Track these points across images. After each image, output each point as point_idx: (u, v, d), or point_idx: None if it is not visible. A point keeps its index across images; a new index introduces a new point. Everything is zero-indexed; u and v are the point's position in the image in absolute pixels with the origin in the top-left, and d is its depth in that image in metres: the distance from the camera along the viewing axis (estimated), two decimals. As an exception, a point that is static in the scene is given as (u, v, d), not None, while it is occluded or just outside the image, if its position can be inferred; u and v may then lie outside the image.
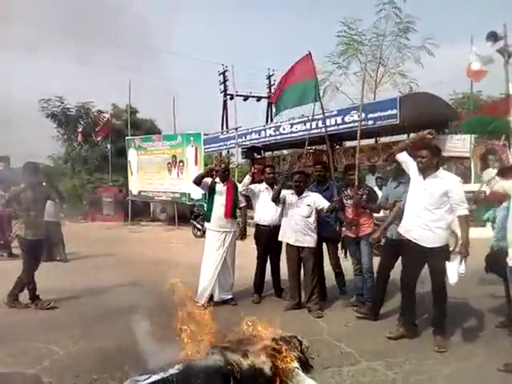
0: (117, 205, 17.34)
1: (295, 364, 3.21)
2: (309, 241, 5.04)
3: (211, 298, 5.17)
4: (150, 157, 15.01)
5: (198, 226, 11.97)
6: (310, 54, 5.60)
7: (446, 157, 12.17)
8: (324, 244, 5.44)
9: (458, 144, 11.65)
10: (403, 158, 4.20)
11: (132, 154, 15.67)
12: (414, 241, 3.98)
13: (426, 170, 3.95)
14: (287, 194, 5.22)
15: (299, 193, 5.13)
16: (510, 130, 11.91)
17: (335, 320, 4.69)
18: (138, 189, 15.54)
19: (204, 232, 11.21)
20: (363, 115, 11.62)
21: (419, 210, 3.94)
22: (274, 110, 6.08)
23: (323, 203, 5.04)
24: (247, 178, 5.51)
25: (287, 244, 5.18)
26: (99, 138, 20.32)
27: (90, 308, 5.18)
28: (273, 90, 26.62)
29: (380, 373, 3.37)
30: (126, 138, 16.21)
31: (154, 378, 3.12)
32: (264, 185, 5.64)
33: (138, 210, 16.98)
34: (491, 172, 3.91)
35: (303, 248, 5.05)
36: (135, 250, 9.79)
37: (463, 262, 3.77)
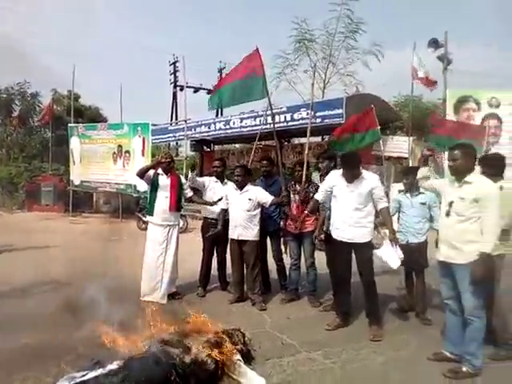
0: (57, 195, 16.48)
1: (237, 356, 3.27)
2: (250, 234, 5.07)
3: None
4: (94, 146, 14.39)
5: (144, 219, 11.69)
6: (257, 49, 5.56)
7: (386, 157, 12.79)
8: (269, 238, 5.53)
9: (398, 145, 12.26)
10: (321, 197, 4.55)
11: (74, 142, 14.94)
12: (347, 241, 4.21)
13: (352, 174, 4.24)
14: (229, 190, 5.25)
15: (240, 187, 5.16)
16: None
17: (278, 313, 4.79)
18: (81, 179, 14.87)
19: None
20: (312, 113, 11.93)
21: (349, 211, 4.19)
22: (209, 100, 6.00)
23: (265, 197, 5.10)
24: (194, 174, 5.48)
25: (230, 239, 5.20)
26: (39, 123, 19.09)
27: (23, 303, 4.94)
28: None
29: (318, 362, 3.50)
30: (69, 125, 15.43)
31: (92, 374, 3.06)
32: (213, 178, 5.64)
33: (80, 201, 16.22)
34: (424, 171, 4.16)
35: (245, 241, 5.08)
36: (76, 243, 9.40)
37: (397, 247, 4.08)
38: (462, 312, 3.40)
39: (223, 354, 3.19)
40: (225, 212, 5.24)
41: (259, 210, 5.18)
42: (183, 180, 5.45)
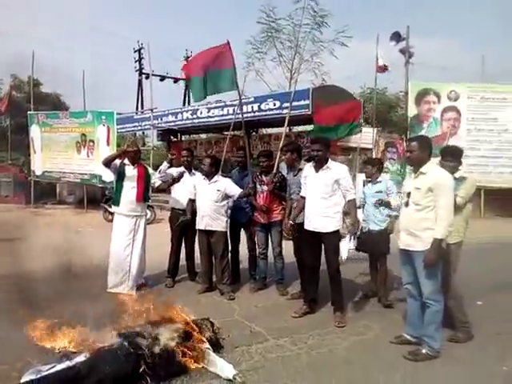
0: (17, 186, 15.88)
1: (206, 345, 3.32)
2: (218, 225, 5.09)
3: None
4: (56, 134, 13.93)
5: (110, 210, 11.46)
6: (228, 43, 5.60)
7: (353, 147, 13.10)
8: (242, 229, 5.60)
9: (363, 136, 12.53)
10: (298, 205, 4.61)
11: (35, 131, 14.41)
12: (314, 230, 4.30)
13: (318, 163, 4.32)
14: (198, 180, 5.25)
15: (209, 177, 5.16)
16: (408, 124, 13.16)
17: (247, 302, 4.87)
18: (42, 169, 14.38)
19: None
20: (278, 103, 11.99)
21: (316, 200, 4.28)
22: (191, 92, 5.94)
23: (234, 190, 5.13)
24: (164, 165, 5.42)
25: (198, 230, 5.20)
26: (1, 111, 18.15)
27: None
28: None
29: (286, 349, 3.60)
30: (29, 112, 14.84)
31: (59, 366, 3.03)
32: (181, 168, 5.62)
33: (42, 192, 15.71)
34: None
35: (213, 232, 5.10)
36: (40, 235, 9.12)
37: (352, 239, 4.26)
38: (421, 297, 3.57)
39: (192, 343, 3.24)
40: (193, 202, 5.24)
41: (227, 201, 5.21)
42: (150, 171, 5.39)
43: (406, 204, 3.62)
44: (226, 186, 5.14)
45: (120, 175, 5.10)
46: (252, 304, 4.78)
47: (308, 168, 4.45)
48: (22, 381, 2.88)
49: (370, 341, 3.84)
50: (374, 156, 12.23)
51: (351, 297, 5.01)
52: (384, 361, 3.44)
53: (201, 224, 5.13)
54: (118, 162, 5.14)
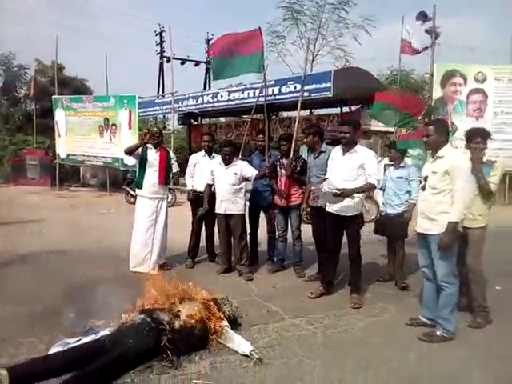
0: (42, 168, 16.31)
1: (224, 322, 3.43)
2: (236, 208, 5.18)
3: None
4: (80, 118, 14.18)
5: (132, 193, 11.71)
6: (260, 29, 5.69)
7: (373, 131, 12.90)
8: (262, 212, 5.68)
9: (386, 119, 12.30)
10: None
11: (59, 115, 14.68)
12: (335, 213, 4.32)
13: (346, 145, 4.30)
14: (215, 165, 5.31)
15: (226, 163, 5.21)
16: (432, 107, 12.84)
17: (264, 282, 4.96)
18: (67, 152, 14.70)
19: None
20: (299, 86, 11.87)
21: (340, 182, 4.25)
22: (211, 70, 5.98)
23: (250, 171, 5.20)
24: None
25: (217, 213, 5.28)
26: (24, 95, 18.55)
27: (16, 273, 5.03)
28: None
29: (302, 328, 3.68)
30: (53, 96, 15.11)
31: (85, 339, 3.19)
32: (202, 152, 5.69)
33: (67, 175, 16.13)
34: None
35: (231, 215, 5.19)
36: (65, 216, 9.43)
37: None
38: (436, 279, 3.58)
39: (211, 320, 3.35)
40: (210, 187, 5.32)
41: (244, 184, 5.28)
42: (172, 154, 5.49)
43: (423, 188, 3.62)
44: (242, 168, 5.21)
45: (143, 159, 5.24)
46: (269, 285, 4.87)
47: (336, 150, 4.45)
48: (50, 352, 3.06)
49: (385, 322, 3.89)
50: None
51: (368, 279, 5.04)
52: (399, 342, 3.48)
53: (220, 208, 5.21)
54: (139, 149, 5.27)
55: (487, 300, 3.91)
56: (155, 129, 5.54)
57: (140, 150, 5.26)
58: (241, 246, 5.24)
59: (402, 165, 5.01)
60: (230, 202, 5.16)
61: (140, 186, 5.27)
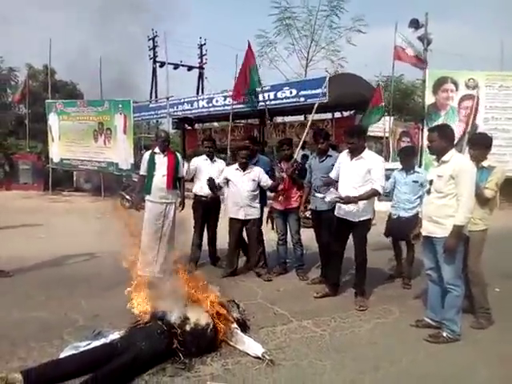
0: (35, 173, 16.16)
1: (234, 325, 3.46)
2: (254, 212, 5.25)
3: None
4: (74, 123, 14.12)
5: (127, 197, 11.67)
6: (248, 44, 5.85)
7: (370, 136, 13.06)
8: None
9: (379, 124, 12.49)
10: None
11: (53, 119, 14.61)
12: (342, 217, 4.39)
13: (353, 152, 4.36)
14: (230, 171, 5.32)
15: (244, 168, 5.24)
16: (425, 113, 13.05)
17: (268, 286, 4.99)
18: (60, 156, 14.62)
19: (133, 203, 11.05)
20: (295, 92, 11.99)
21: (347, 188, 4.32)
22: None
23: (266, 181, 5.22)
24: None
25: (232, 219, 5.28)
26: (16, 100, 18.38)
27: (22, 278, 5.02)
28: (204, 60, 26.20)
29: (309, 330, 3.72)
30: (46, 101, 15.04)
31: (95, 343, 3.20)
32: (204, 156, 5.72)
33: (60, 180, 15.98)
34: None
35: (248, 220, 5.23)
36: (61, 221, 9.38)
37: (333, 195, 4.27)
38: (441, 282, 3.66)
39: (221, 322, 3.37)
40: (219, 188, 5.33)
41: (259, 189, 5.31)
42: (180, 158, 5.50)
43: (429, 192, 3.69)
44: (260, 176, 5.23)
45: (151, 163, 5.24)
46: (274, 288, 4.91)
47: (344, 155, 4.50)
48: (61, 356, 3.05)
49: (391, 324, 3.94)
50: (391, 144, 12.21)
51: (373, 282, 5.11)
52: (406, 342, 3.54)
53: (238, 214, 5.23)
54: (147, 153, 5.43)
55: (488, 301, 3.99)
56: (162, 133, 5.53)
57: (148, 155, 5.33)
58: (258, 248, 5.29)
59: (416, 170, 5.15)
60: (250, 207, 5.21)
61: (148, 191, 5.25)
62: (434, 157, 3.76)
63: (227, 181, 5.32)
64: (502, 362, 3.23)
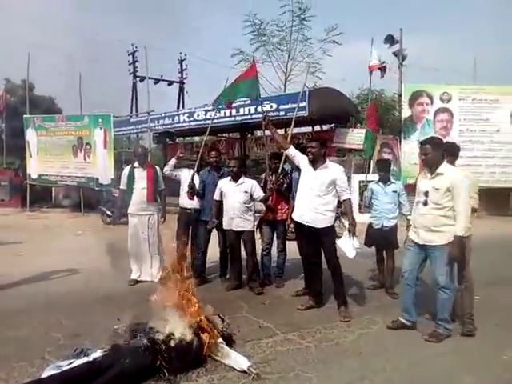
0: (12, 189, 15.80)
1: (219, 339, 3.43)
2: (247, 225, 5.23)
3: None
4: (52, 138, 13.91)
5: (108, 213, 11.54)
6: (254, 61, 6.32)
7: (348, 148, 13.28)
8: None
9: (358, 137, 12.73)
10: (291, 152, 4.73)
11: (31, 134, 14.37)
12: (306, 224, 4.47)
13: (315, 161, 4.46)
14: (224, 182, 5.31)
15: (236, 179, 5.24)
16: (402, 126, 13.37)
17: (253, 298, 4.99)
18: (38, 172, 14.34)
19: (114, 219, 10.93)
20: (275, 106, 12.15)
21: (311, 196, 4.42)
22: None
23: (258, 193, 5.23)
24: (173, 160, 5.57)
25: (228, 230, 5.28)
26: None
27: (0, 296, 4.90)
28: (184, 75, 26.30)
29: (295, 342, 3.72)
30: (24, 116, 14.79)
31: (77, 361, 3.13)
32: (189, 170, 5.70)
33: (38, 196, 15.63)
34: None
35: (242, 232, 5.22)
36: (41, 238, 9.18)
37: (355, 238, 4.37)
38: (415, 284, 3.97)
39: (206, 337, 3.34)
40: (218, 203, 5.31)
41: (254, 201, 5.32)
42: (159, 172, 5.53)
43: (425, 203, 3.83)
44: (253, 188, 5.22)
45: (130, 177, 5.29)
46: (259, 301, 4.90)
47: (306, 165, 4.56)
48: (44, 376, 2.98)
49: (375, 333, 3.98)
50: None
51: (356, 292, 5.16)
52: (389, 351, 3.58)
53: (231, 225, 5.22)
54: (127, 168, 5.51)
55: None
56: (139, 149, 5.59)
57: (127, 169, 5.40)
58: (253, 261, 5.29)
59: (392, 180, 5.41)
60: (242, 219, 5.19)
61: (130, 204, 5.33)
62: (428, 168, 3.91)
63: (221, 193, 5.31)
64: (486, 368, 3.30)
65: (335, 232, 4.62)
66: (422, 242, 3.86)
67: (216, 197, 5.32)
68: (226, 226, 5.28)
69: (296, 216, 4.59)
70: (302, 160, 4.60)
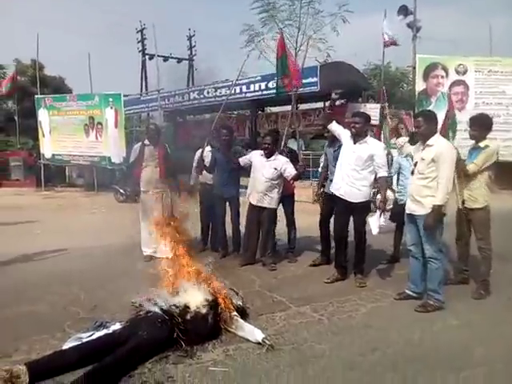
0: (27, 169, 16.04)
1: (234, 312, 3.51)
2: (269, 202, 5.16)
3: None
4: (64, 117, 14.00)
5: (121, 191, 11.67)
6: (281, 33, 6.33)
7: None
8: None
9: (371, 112, 12.51)
10: (334, 127, 4.71)
11: (43, 114, 14.46)
12: (341, 196, 4.53)
13: (357, 136, 4.47)
14: (255, 155, 5.27)
15: (268, 155, 5.16)
16: (416, 100, 13.10)
17: (265, 273, 5.05)
18: (52, 152, 14.50)
19: (127, 197, 11.06)
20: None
21: (348, 170, 4.47)
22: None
23: (290, 171, 5.07)
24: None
25: (250, 203, 5.28)
26: (2, 95, 18.02)
27: (19, 274, 5.03)
28: (194, 52, 25.97)
29: (308, 315, 3.78)
30: (36, 96, 14.86)
31: (97, 333, 3.24)
32: (209, 147, 5.66)
33: (52, 175, 15.86)
34: (403, 140, 4.54)
35: (264, 208, 5.19)
36: (56, 216, 9.35)
37: (382, 215, 4.42)
38: (422, 257, 3.97)
39: (221, 310, 3.42)
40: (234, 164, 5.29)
41: (281, 179, 5.18)
42: (169, 150, 5.57)
43: (412, 173, 3.94)
44: (284, 166, 5.10)
45: (141, 155, 5.35)
46: (271, 276, 4.97)
47: (347, 138, 4.56)
48: (65, 347, 3.09)
49: (386, 307, 4.03)
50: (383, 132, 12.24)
51: (369, 265, 5.17)
52: (401, 324, 3.62)
53: (253, 199, 5.21)
54: (137, 145, 5.55)
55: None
56: (152, 126, 5.61)
57: (138, 147, 5.43)
58: (267, 238, 5.28)
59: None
60: (264, 195, 5.13)
61: (144, 182, 5.41)
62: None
63: (250, 163, 5.26)
64: (498, 340, 3.32)
65: (370, 208, 4.70)
66: (408, 211, 3.96)
67: (241, 161, 5.25)
68: (250, 199, 5.24)
69: (334, 188, 4.65)
70: (343, 134, 4.62)
